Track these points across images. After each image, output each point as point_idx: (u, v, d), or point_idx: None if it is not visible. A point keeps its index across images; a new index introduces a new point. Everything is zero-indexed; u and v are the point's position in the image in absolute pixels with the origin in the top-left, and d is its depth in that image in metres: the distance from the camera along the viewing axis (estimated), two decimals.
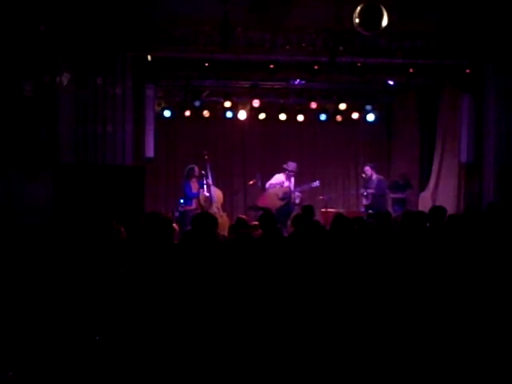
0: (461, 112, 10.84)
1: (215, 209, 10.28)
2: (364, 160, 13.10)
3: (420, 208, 11.18)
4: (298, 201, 11.29)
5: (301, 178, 11.71)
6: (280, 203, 10.94)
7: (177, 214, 10.47)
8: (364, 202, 11.42)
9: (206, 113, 12.51)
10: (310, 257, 4.96)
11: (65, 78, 8.86)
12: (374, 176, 11.60)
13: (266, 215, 6.26)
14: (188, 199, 10.46)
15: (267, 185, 11.27)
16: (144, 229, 6.04)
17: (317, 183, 11.33)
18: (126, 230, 6.08)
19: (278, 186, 11.10)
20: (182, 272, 4.66)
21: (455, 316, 4.28)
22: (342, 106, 12.34)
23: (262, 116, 12.65)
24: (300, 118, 12.82)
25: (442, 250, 4.93)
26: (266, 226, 5.96)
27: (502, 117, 9.98)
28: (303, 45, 9.37)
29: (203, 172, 10.53)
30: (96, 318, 4.43)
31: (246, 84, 11.91)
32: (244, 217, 8.06)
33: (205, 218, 5.33)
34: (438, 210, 6.37)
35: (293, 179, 11.27)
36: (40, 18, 8.58)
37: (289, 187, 11.11)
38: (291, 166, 11.24)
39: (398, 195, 11.58)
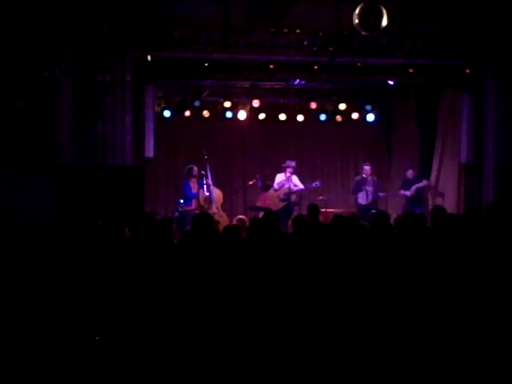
0: (460, 112, 10.85)
1: (215, 209, 10.27)
2: (364, 160, 13.08)
3: None
4: (296, 200, 11.32)
5: (301, 177, 11.71)
6: (282, 204, 11.00)
7: (176, 214, 10.45)
8: (363, 201, 11.37)
9: (205, 113, 12.51)
10: (311, 257, 4.96)
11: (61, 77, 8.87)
12: (370, 177, 11.59)
13: (269, 215, 6.22)
14: (188, 199, 10.44)
15: (276, 186, 11.25)
16: (145, 228, 6.04)
17: (318, 183, 11.35)
18: (130, 231, 6.10)
19: (286, 186, 11.13)
20: (182, 272, 4.66)
21: (454, 316, 4.28)
22: (342, 106, 12.35)
23: (261, 116, 12.66)
24: (300, 118, 12.82)
25: (442, 251, 4.92)
26: (268, 226, 5.91)
27: (502, 117, 9.98)
28: (303, 45, 9.38)
29: (203, 172, 10.51)
30: (95, 319, 4.43)
31: (246, 84, 11.91)
32: (243, 217, 8.06)
33: (204, 219, 5.34)
34: (437, 210, 6.37)
35: (293, 177, 11.28)
36: (41, 17, 8.58)
37: (289, 187, 11.14)
38: (290, 163, 11.28)
39: (412, 191, 11.48)
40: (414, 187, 11.40)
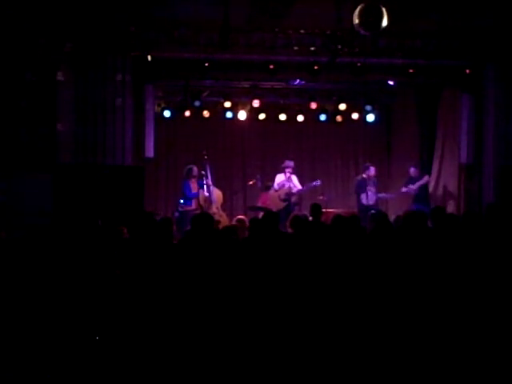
0: (460, 112, 10.85)
1: (215, 209, 10.27)
2: (364, 160, 13.08)
3: None
4: (296, 200, 11.32)
5: (301, 177, 11.72)
6: (282, 204, 11.01)
7: (176, 214, 10.45)
8: (366, 201, 11.31)
9: (205, 113, 12.51)
10: (311, 257, 4.95)
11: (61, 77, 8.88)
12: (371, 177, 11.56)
13: (269, 215, 6.21)
14: (188, 199, 10.44)
15: (276, 186, 11.25)
16: (144, 229, 6.03)
17: (318, 182, 11.35)
18: (129, 230, 6.10)
19: (287, 186, 11.15)
20: (182, 272, 4.66)
21: (454, 315, 4.28)
22: (342, 107, 12.36)
23: (261, 116, 12.66)
24: (300, 118, 12.82)
25: (442, 251, 4.92)
26: (268, 227, 5.89)
27: (502, 117, 9.97)
28: (303, 45, 9.38)
29: (203, 172, 10.52)
30: (95, 318, 4.43)
31: (246, 84, 11.91)
32: (243, 217, 8.05)
33: (204, 219, 5.34)
34: (438, 210, 6.37)
35: (293, 177, 11.30)
36: (41, 18, 8.58)
37: (289, 187, 11.15)
38: (289, 163, 11.30)
39: (414, 190, 11.36)
40: (416, 185, 11.34)
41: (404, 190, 11.54)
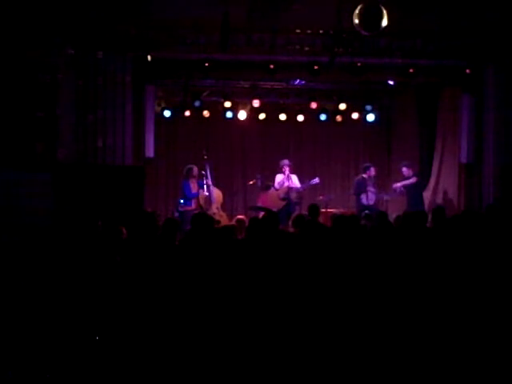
0: (461, 112, 10.85)
1: (215, 209, 10.27)
2: (364, 160, 13.08)
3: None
4: (296, 199, 11.31)
5: (301, 177, 11.71)
6: (281, 203, 10.98)
7: (176, 214, 10.45)
8: (366, 201, 11.28)
9: (206, 113, 12.53)
10: (312, 257, 4.95)
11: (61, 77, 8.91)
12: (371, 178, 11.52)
13: (270, 215, 6.20)
14: (187, 199, 10.44)
15: (277, 186, 11.23)
16: (143, 228, 6.03)
17: (316, 180, 11.32)
18: (128, 231, 6.09)
19: (286, 184, 11.14)
20: (183, 272, 4.66)
21: (453, 316, 4.28)
22: (342, 106, 12.38)
23: (261, 116, 12.68)
24: (300, 118, 12.84)
25: (442, 251, 4.93)
26: (267, 227, 5.90)
27: (502, 117, 9.98)
28: (303, 45, 9.39)
29: (203, 172, 10.52)
30: (95, 318, 4.43)
31: (246, 84, 11.92)
32: (242, 217, 8.05)
33: (203, 219, 5.34)
34: (438, 211, 6.38)
35: (292, 177, 11.28)
36: (41, 17, 8.59)
37: (288, 186, 11.14)
38: (284, 162, 11.27)
39: (400, 184, 11.30)
40: (400, 183, 11.26)
41: (393, 186, 11.44)
